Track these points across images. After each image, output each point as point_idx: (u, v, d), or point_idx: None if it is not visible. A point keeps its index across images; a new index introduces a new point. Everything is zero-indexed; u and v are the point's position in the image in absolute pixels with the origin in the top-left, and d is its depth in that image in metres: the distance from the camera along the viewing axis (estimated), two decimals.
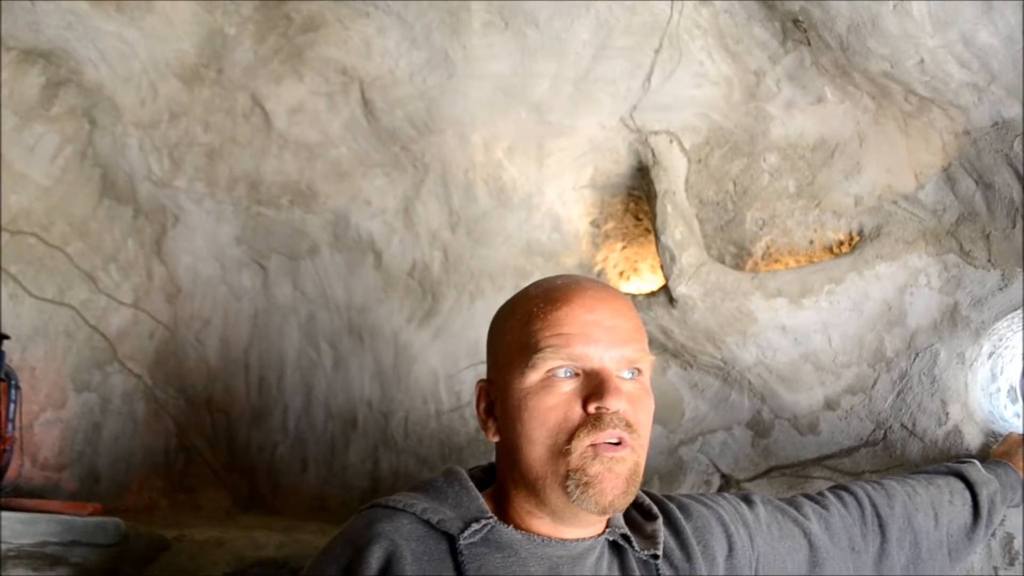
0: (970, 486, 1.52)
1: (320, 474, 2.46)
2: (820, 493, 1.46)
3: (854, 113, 1.82)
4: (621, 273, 2.11)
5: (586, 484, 1.09)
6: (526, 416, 1.13)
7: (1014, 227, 1.68)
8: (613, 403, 1.10)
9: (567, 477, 1.10)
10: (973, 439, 1.77)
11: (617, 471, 1.10)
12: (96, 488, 2.51)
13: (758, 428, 2.04)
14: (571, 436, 1.11)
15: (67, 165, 2.38)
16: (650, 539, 1.21)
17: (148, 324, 2.53)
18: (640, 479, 1.15)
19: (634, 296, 2.02)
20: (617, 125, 1.96)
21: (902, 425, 1.85)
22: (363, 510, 1.18)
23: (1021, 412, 1.87)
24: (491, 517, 1.13)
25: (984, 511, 1.50)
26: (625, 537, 1.19)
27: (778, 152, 1.92)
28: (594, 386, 1.12)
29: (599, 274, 2.11)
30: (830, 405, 1.94)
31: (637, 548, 1.19)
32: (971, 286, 1.77)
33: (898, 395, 1.85)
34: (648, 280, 2.09)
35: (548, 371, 1.13)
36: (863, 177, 1.85)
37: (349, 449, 2.42)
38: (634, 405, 1.14)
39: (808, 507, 1.40)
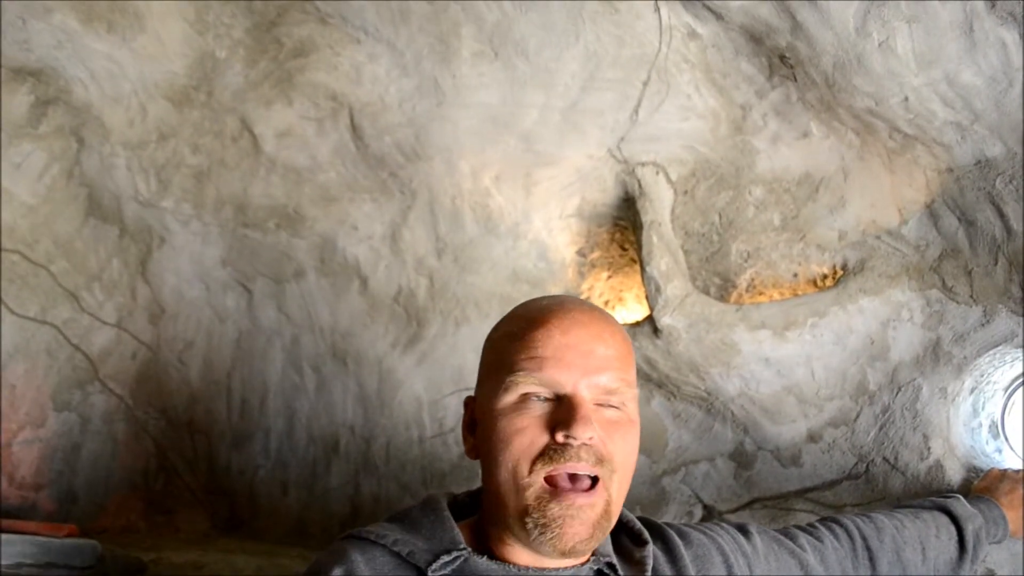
0: (955, 521, 1.52)
1: (300, 498, 2.44)
2: (811, 525, 1.45)
3: (839, 148, 1.84)
4: (606, 303, 2.12)
5: (544, 526, 1.06)
6: (495, 438, 1.10)
7: (996, 264, 1.69)
8: (581, 432, 1.06)
9: (525, 513, 1.07)
10: (955, 474, 1.78)
11: (582, 518, 1.06)
12: (74, 509, 2.48)
13: (741, 459, 2.04)
14: (531, 466, 1.07)
15: (53, 183, 2.36)
16: (638, 565, 1.18)
17: (131, 344, 2.51)
18: (613, 518, 1.11)
19: None
20: (604, 156, 1.97)
21: (884, 459, 1.85)
22: (338, 541, 1.16)
23: (1002, 447, 1.88)
24: (464, 549, 1.10)
25: (970, 546, 1.51)
26: (611, 566, 1.15)
27: (763, 185, 1.94)
28: (563, 413, 1.08)
29: None
30: (813, 438, 1.94)
31: (623, 575, 1.16)
32: (953, 322, 1.78)
33: (880, 429, 1.86)
34: (633, 310, 2.09)
35: (522, 394, 1.10)
36: (847, 212, 1.87)
37: (330, 473, 2.40)
38: (610, 433, 1.10)
39: (803, 538, 1.39)
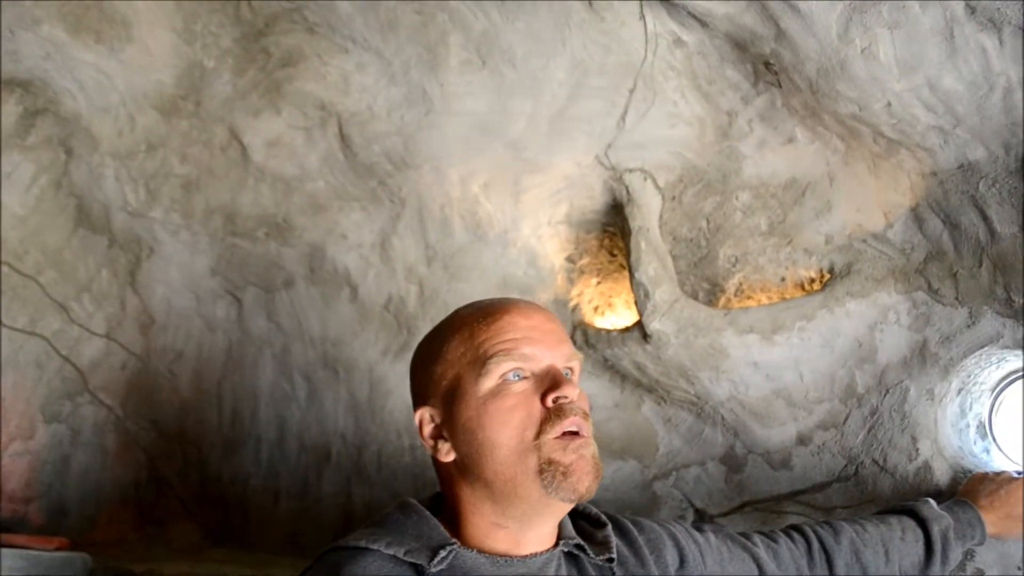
0: (922, 523, 1.54)
1: (292, 507, 2.43)
2: (771, 531, 1.51)
3: (824, 153, 1.85)
4: (596, 308, 2.12)
5: (564, 473, 1.14)
6: (487, 422, 1.17)
7: (980, 266, 1.71)
8: (571, 391, 1.17)
9: (541, 471, 1.15)
10: (943, 475, 1.79)
11: (587, 457, 1.16)
12: (64, 521, 2.47)
13: (731, 463, 2.04)
14: (538, 431, 1.16)
15: (42, 194, 2.36)
16: (602, 545, 1.26)
17: (121, 355, 2.50)
18: (600, 467, 1.20)
19: (608, 331, 2.03)
20: (592, 163, 1.98)
21: (873, 461, 1.86)
22: (324, 554, 1.18)
23: (990, 448, 1.89)
24: (454, 543, 1.15)
25: (937, 547, 1.52)
26: (579, 547, 1.24)
27: (750, 190, 1.95)
28: (549, 381, 1.19)
29: (574, 309, 2.12)
30: (803, 440, 1.95)
31: (592, 554, 1.24)
32: (940, 323, 1.79)
33: (869, 431, 1.87)
34: (622, 315, 2.10)
35: (501, 376, 1.18)
36: (833, 216, 1.88)
37: (322, 482, 2.40)
38: (580, 397, 1.21)
39: (758, 538, 1.46)
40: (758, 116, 1.85)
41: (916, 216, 1.78)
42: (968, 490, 1.69)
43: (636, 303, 1.93)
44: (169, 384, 2.50)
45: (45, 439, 2.47)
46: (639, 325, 1.92)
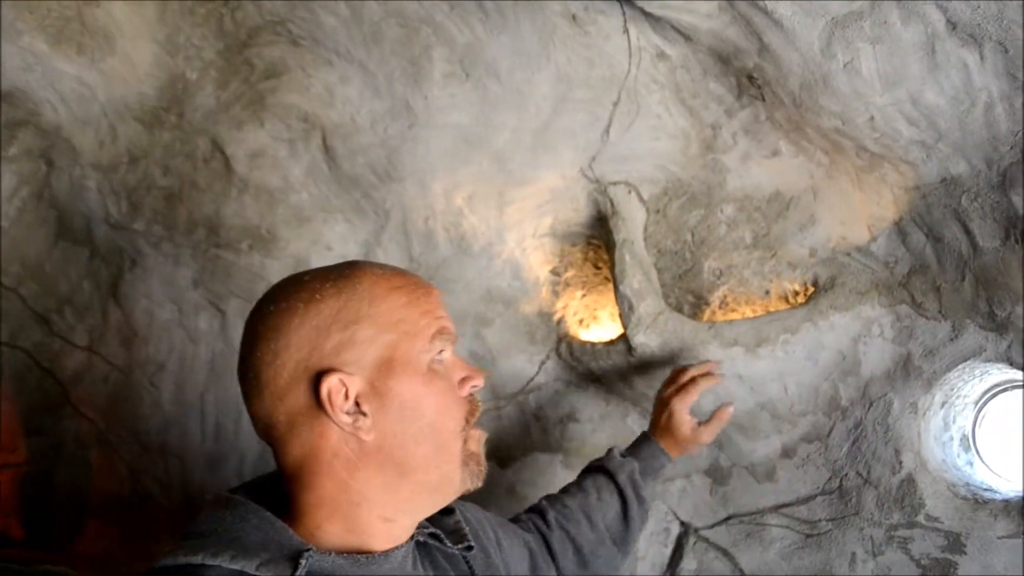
0: (611, 476, 1.61)
1: None
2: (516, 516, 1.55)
3: (808, 167, 1.86)
4: (581, 321, 2.12)
5: (478, 463, 1.11)
6: (433, 402, 1.06)
7: (963, 280, 1.71)
8: (481, 382, 1.13)
9: (465, 462, 1.10)
10: (927, 487, 1.80)
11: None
12: (47, 536, 2.45)
13: (716, 476, 2.04)
14: (465, 421, 1.10)
15: (23, 206, 2.34)
16: (455, 533, 1.21)
17: (102, 368, 2.48)
18: None
19: (594, 344, 2.03)
20: (576, 175, 1.98)
21: (857, 473, 1.87)
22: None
23: (973, 460, 1.90)
24: (310, 547, 0.99)
25: (629, 493, 1.59)
26: (434, 536, 1.18)
27: (735, 203, 1.95)
28: (465, 368, 1.12)
29: (559, 322, 2.12)
30: (787, 453, 1.96)
31: (449, 543, 1.18)
32: (923, 337, 1.80)
33: (853, 443, 1.87)
34: (608, 328, 2.10)
35: (438, 354, 1.08)
36: (817, 229, 1.88)
37: None
38: None
39: (515, 524, 1.50)
40: (742, 129, 1.86)
41: (899, 230, 1.79)
42: (653, 421, 1.74)
43: (621, 316, 1.93)
44: (151, 397, 2.48)
45: (27, 453, 2.45)
46: (624, 338, 1.92)
